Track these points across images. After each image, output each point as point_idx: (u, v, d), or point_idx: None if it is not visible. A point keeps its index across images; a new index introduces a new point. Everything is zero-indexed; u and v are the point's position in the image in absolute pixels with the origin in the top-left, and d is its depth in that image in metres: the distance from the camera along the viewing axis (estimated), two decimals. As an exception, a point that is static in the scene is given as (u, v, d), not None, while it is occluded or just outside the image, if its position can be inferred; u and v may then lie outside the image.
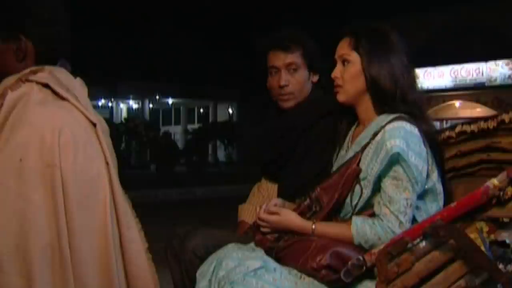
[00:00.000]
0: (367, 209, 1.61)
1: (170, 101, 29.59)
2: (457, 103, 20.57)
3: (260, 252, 1.63)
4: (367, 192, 1.60)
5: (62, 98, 1.38)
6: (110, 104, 28.43)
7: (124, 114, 28.86)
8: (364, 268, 1.43)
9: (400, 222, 1.53)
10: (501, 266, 1.41)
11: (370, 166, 1.60)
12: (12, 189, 1.25)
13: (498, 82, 19.22)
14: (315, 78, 2.11)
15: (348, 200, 1.64)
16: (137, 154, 21.78)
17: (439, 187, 1.66)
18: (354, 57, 1.70)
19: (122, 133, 19.93)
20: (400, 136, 1.55)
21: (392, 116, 1.62)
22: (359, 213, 1.62)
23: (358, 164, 1.63)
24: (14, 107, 1.34)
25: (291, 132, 2.04)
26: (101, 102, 27.53)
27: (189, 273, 1.81)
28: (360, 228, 1.56)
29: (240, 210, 2.21)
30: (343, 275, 1.42)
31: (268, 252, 1.63)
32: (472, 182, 1.78)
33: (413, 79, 1.72)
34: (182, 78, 25.85)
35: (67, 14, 1.51)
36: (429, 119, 1.71)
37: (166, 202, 9.97)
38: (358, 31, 1.72)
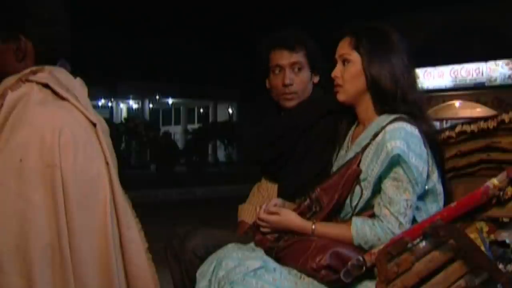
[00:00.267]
0: (367, 210, 1.61)
1: (170, 101, 29.60)
2: (457, 103, 20.57)
3: (260, 252, 1.63)
4: (367, 193, 1.60)
5: (62, 98, 1.38)
6: (110, 104, 28.44)
7: (124, 114, 28.87)
8: (364, 268, 1.43)
9: (400, 223, 1.53)
10: (501, 266, 1.41)
11: (370, 167, 1.60)
12: (12, 189, 1.25)
13: (498, 82, 19.22)
14: (316, 79, 2.12)
15: (348, 201, 1.64)
16: (137, 154, 21.78)
17: (439, 188, 1.66)
18: (355, 56, 1.70)
19: (122, 133, 19.92)
20: (401, 137, 1.55)
21: (392, 116, 1.62)
22: (359, 214, 1.62)
23: (358, 165, 1.63)
24: (14, 107, 1.34)
25: (291, 132, 2.04)
26: (101, 102, 27.54)
27: (189, 273, 1.81)
28: (360, 229, 1.56)
29: (240, 210, 2.21)
30: (343, 275, 1.42)
31: (268, 252, 1.63)
32: (472, 182, 1.78)
33: (413, 79, 1.72)
34: (182, 78, 25.87)
35: (67, 14, 1.51)
36: (429, 119, 1.71)
37: (166, 202, 9.97)
38: (358, 31, 1.72)
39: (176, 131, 28.48)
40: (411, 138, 1.57)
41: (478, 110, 19.25)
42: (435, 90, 19.27)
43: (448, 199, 1.68)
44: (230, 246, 1.67)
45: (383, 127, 1.60)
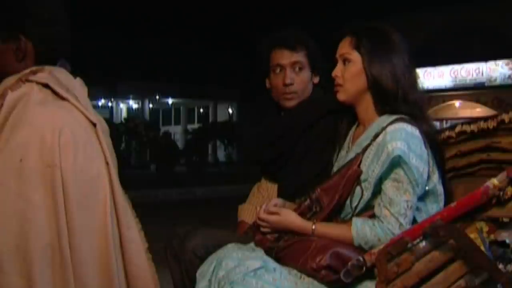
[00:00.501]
0: (367, 210, 1.61)
1: (170, 101, 29.60)
2: (457, 103, 20.57)
3: (260, 252, 1.63)
4: (367, 194, 1.60)
5: (62, 98, 1.38)
6: (110, 104, 28.45)
7: (124, 114, 28.88)
8: (364, 268, 1.43)
9: (400, 224, 1.53)
10: (501, 266, 1.41)
11: (371, 168, 1.60)
12: (12, 189, 1.25)
13: (498, 82, 19.22)
14: (316, 79, 2.12)
15: (348, 201, 1.64)
16: (137, 154, 21.78)
17: (440, 188, 1.66)
18: (355, 56, 1.70)
19: (122, 133, 19.92)
20: (402, 138, 1.55)
21: (393, 117, 1.62)
22: (359, 214, 1.62)
23: (359, 166, 1.62)
24: (14, 107, 1.34)
25: (291, 132, 2.04)
26: (101, 102, 27.55)
27: (189, 273, 1.81)
28: (360, 229, 1.56)
29: (240, 210, 2.21)
30: (343, 275, 1.42)
31: (268, 252, 1.63)
32: (472, 182, 1.78)
33: (414, 79, 1.71)
34: (182, 78, 25.88)
35: (67, 14, 1.51)
36: (430, 120, 1.71)
37: (166, 202, 9.97)
38: (359, 31, 1.72)
39: (176, 131, 28.48)
40: (412, 139, 1.57)
41: (478, 110, 19.25)
42: (435, 90, 19.25)
43: (448, 199, 1.68)
44: (230, 246, 1.67)
45: (384, 128, 1.60)
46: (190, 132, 23.94)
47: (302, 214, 1.68)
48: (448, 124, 8.39)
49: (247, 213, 2.16)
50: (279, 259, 1.60)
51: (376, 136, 1.62)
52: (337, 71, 1.74)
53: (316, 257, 1.52)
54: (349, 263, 1.43)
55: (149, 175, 17.50)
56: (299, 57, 2.04)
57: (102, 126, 1.44)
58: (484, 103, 19.52)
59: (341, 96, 1.74)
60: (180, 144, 23.77)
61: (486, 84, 19.40)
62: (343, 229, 1.59)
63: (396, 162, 1.55)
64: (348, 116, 1.82)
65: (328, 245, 1.54)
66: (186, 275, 1.84)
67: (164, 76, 25.84)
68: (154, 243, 1.57)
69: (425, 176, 1.58)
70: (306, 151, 2.02)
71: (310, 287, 1.51)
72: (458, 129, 1.81)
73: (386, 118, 1.64)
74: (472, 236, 1.40)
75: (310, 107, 2.04)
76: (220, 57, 25.70)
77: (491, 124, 1.72)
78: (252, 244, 1.72)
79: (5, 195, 1.25)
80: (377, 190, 1.59)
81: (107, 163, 1.37)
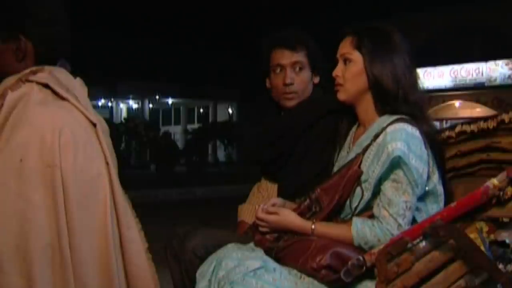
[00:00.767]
0: (367, 210, 1.61)
1: (170, 101, 29.60)
2: (457, 103, 20.57)
3: (260, 252, 1.63)
4: (368, 195, 1.59)
5: (62, 98, 1.38)
6: (110, 104, 28.45)
7: (124, 114, 28.88)
8: (364, 268, 1.43)
9: (399, 225, 1.53)
10: (501, 266, 1.41)
11: (371, 169, 1.59)
12: (12, 189, 1.25)
13: (498, 82, 19.21)
14: (317, 80, 2.12)
15: (348, 202, 1.64)
16: (137, 154, 21.79)
17: (440, 189, 1.65)
18: (356, 56, 1.70)
19: (122, 133, 19.94)
20: (402, 138, 1.55)
21: (393, 117, 1.62)
22: (359, 215, 1.62)
23: (359, 166, 1.62)
24: (15, 107, 1.34)
25: (291, 132, 2.04)
26: (101, 102, 27.56)
27: (189, 273, 1.81)
28: (360, 229, 1.56)
29: (240, 210, 2.21)
30: (343, 274, 1.42)
31: (268, 252, 1.63)
32: (472, 182, 1.78)
33: (415, 79, 1.71)
34: (182, 78, 25.88)
35: (67, 14, 1.51)
36: (430, 120, 1.70)
37: (166, 202, 9.97)
38: (360, 31, 1.72)
39: (176, 131, 28.49)
40: (412, 140, 1.57)
41: (478, 110, 19.24)
42: (435, 90, 19.25)
43: (448, 199, 1.68)
44: (230, 246, 1.67)
45: (384, 128, 1.60)
46: (190, 132, 23.96)
47: (301, 214, 1.68)
48: (448, 124, 8.39)
49: (247, 213, 2.16)
50: (278, 259, 1.59)
51: (376, 136, 1.62)
52: (338, 71, 1.74)
53: (316, 257, 1.52)
54: (349, 263, 1.43)
55: (149, 175, 17.50)
56: (300, 57, 2.04)
57: (102, 126, 1.44)
58: (484, 103, 19.52)
59: (342, 96, 1.74)
60: (180, 144, 23.77)
61: (486, 84, 19.40)
62: (343, 229, 1.59)
63: (396, 163, 1.54)
64: (348, 116, 1.82)
65: (328, 245, 1.54)
66: (186, 275, 1.84)
67: (164, 76, 25.85)
68: (154, 243, 1.57)
69: (425, 176, 1.58)
70: (306, 151, 2.02)
71: (310, 287, 1.51)
72: (458, 129, 1.81)
73: (386, 118, 1.64)
74: (472, 236, 1.40)
75: (310, 107, 2.04)
76: (220, 57, 25.71)
77: (491, 124, 1.72)
78: (252, 244, 1.71)
79: (5, 195, 1.25)
80: (377, 191, 1.59)
81: (107, 163, 1.37)
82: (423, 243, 1.38)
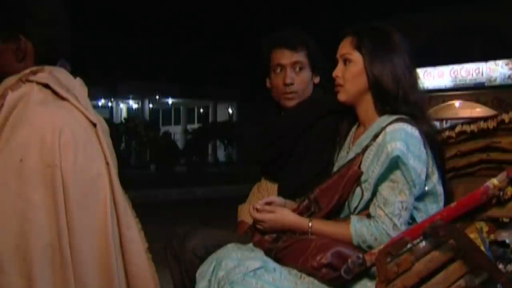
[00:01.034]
0: (366, 210, 1.61)
1: (170, 101, 29.61)
2: (457, 103, 20.57)
3: (260, 253, 1.63)
4: (367, 195, 1.59)
5: (62, 98, 1.38)
6: (110, 104, 28.46)
7: (124, 114, 28.89)
8: (365, 267, 1.43)
9: (394, 225, 1.53)
10: (501, 266, 1.41)
11: (371, 168, 1.59)
12: (12, 189, 1.25)
13: (498, 82, 19.21)
14: (317, 80, 2.12)
15: (348, 202, 1.64)
16: (137, 154, 21.79)
17: (440, 189, 1.65)
18: (356, 56, 1.69)
19: (122, 133, 19.94)
20: (401, 138, 1.55)
21: (393, 117, 1.62)
22: (358, 214, 1.62)
23: (359, 167, 1.62)
24: (15, 108, 1.34)
25: (291, 132, 2.04)
26: (101, 102, 27.56)
27: (189, 273, 1.81)
28: (358, 228, 1.56)
29: (240, 210, 2.21)
30: (344, 272, 1.43)
31: (267, 253, 1.62)
32: (472, 182, 1.78)
33: (414, 79, 1.71)
34: (182, 78, 25.89)
35: (67, 14, 1.51)
36: (430, 120, 1.70)
37: (166, 202, 9.97)
38: (360, 31, 1.72)
39: (176, 131, 28.49)
40: (411, 140, 1.56)
41: (478, 110, 19.24)
42: (435, 90, 19.25)
43: (448, 199, 1.68)
44: (230, 246, 1.67)
45: (383, 128, 1.60)
46: (190, 132, 23.96)
47: (300, 215, 1.68)
48: (448, 124, 8.39)
49: (247, 213, 2.16)
50: (278, 260, 1.59)
51: (376, 136, 1.62)
52: (338, 71, 1.74)
53: (316, 256, 1.52)
54: (349, 260, 1.43)
55: (149, 175, 17.50)
56: (300, 57, 2.04)
57: (102, 126, 1.44)
58: (484, 103, 19.52)
59: (342, 97, 1.74)
60: (180, 144, 23.78)
61: (486, 84, 19.40)
62: (341, 227, 1.59)
63: (395, 162, 1.54)
64: (348, 116, 1.82)
65: (329, 244, 1.54)
66: (186, 275, 1.84)
67: (164, 76, 25.86)
68: (154, 243, 1.57)
69: (423, 176, 1.58)
70: (306, 151, 2.02)
71: (310, 287, 1.51)
72: (458, 129, 1.81)
73: (386, 118, 1.64)
74: (472, 236, 1.40)
75: (310, 107, 2.04)
76: (220, 57, 25.71)
77: (491, 124, 1.72)
78: (251, 244, 1.71)
79: (5, 195, 1.25)
80: (377, 191, 1.59)
81: (107, 163, 1.37)
82: (423, 243, 1.38)
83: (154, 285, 1.42)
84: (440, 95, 19.79)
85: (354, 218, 1.58)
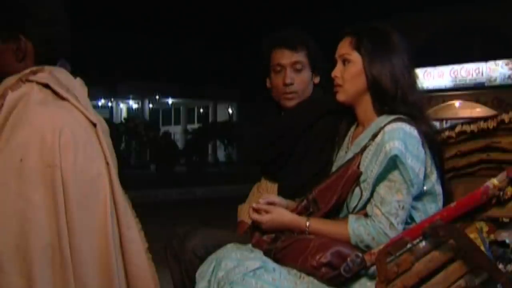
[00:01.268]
0: (364, 209, 1.61)
1: (170, 101, 29.60)
2: (457, 103, 20.57)
3: (259, 253, 1.63)
4: (366, 194, 1.59)
5: (62, 98, 1.38)
6: (110, 104, 28.45)
7: (124, 114, 28.89)
8: (364, 266, 1.43)
9: (391, 224, 1.53)
10: (501, 266, 1.41)
11: (369, 168, 1.59)
12: (12, 189, 1.25)
13: (498, 82, 19.22)
14: (317, 79, 2.12)
15: (347, 202, 1.64)
16: (137, 154, 21.79)
17: (438, 188, 1.65)
18: (355, 56, 1.70)
19: (122, 133, 19.94)
20: (399, 137, 1.55)
21: (391, 117, 1.62)
22: (356, 213, 1.62)
23: (358, 166, 1.62)
24: (15, 107, 1.34)
25: (291, 132, 2.04)
26: (101, 102, 27.56)
27: (189, 273, 1.81)
28: (356, 228, 1.56)
29: (240, 210, 2.21)
30: (343, 270, 1.43)
31: (267, 253, 1.62)
32: (472, 182, 1.78)
33: (413, 79, 1.71)
34: (182, 78, 25.89)
35: (67, 14, 1.51)
36: (429, 120, 1.70)
37: (166, 202, 9.98)
38: (359, 31, 1.72)
39: (176, 131, 28.49)
40: (409, 139, 1.57)
41: (478, 110, 19.25)
42: (435, 90, 19.26)
43: (448, 199, 1.68)
44: (229, 246, 1.67)
45: (382, 128, 1.60)
46: (190, 132, 23.96)
47: (299, 215, 1.67)
48: (448, 124, 8.39)
49: (246, 213, 2.16)
50: (278, 260, 1.59)
51: (375, 136, 1.62)
52: (337, 72, 1.74)
53: (316, 255, 1.52)
54: (349, 258, 1.44)
55: (149, 175, 17.51)
56: (300, 57, 2.04)
57: (102, 126, 1.44)
58: (484, 103, 19.52)
59: (341, 97, 1.74)
60: (180, 144, 23.78)
61: (486, 84, 19.40)
62: (339, 227, 1.59)
63: (393, 162, 1.54)
64: (347, 116, 1.82)
65: (328, 244, 1.54)
66: (186, 275, 1.84)
67: (164, 76, 25.85)
68: (154, 243, 1.57)
69: (421, 176, 1.58)
70: (306, 151, 2.02)
71: (310, 287, 1.51)
72: (458, 129, 1.81)
73: (384, 118, 1.64)
74: (472, 236, 1.40)
75: (310, 107, 2.04)
76: (220, 57, 25.72)
77: (491, 124, 1.72)
78: (251, 245, 1.71)
79: (5, 195, 1.25)
80: (375, 190, 1.59)
81: (107, 163, 1.37)
82: (423, 243, 1.38)
83: (154, 285, 1.42)
84: (440, 95, 19.79)
85: (351, 218, 1.58)
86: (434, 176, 1.64)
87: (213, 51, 26.06)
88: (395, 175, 1.55)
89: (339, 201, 1.64)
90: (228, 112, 29.71)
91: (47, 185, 1.26)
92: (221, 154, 24.21)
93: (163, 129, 24.66)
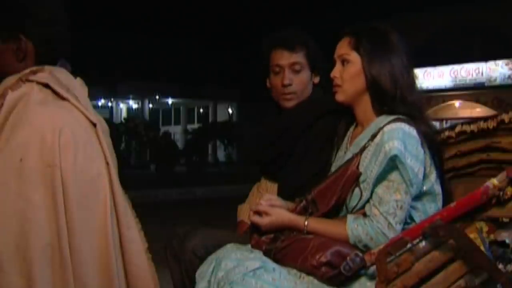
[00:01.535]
0: (363, 209, 1.61)
1: (170, 101, 29.61)
2: (457, 103, 20.57)
3: (259, 253, 1.63)
4: (366, 195, 1.59)
5: (62, 98, 1.38)
6: (110, 104, 28.46)
7: (124, 114, 28.89)
8: (364, 266, 1.43)
9: (389, 224, 1.52)
10: (500, 266, 1.41)
11: (369, 168, 1.59)
12: (12, 189, 1.25)
13: (497, 82, 19.22)
14: (317, 80, 2.11)
15: (347, 202, 1.64)
16: (137, 154, 21.79)
17: (438, 188, 1.65)
18: (354, 57, 1.69)
19: (122, 133, 19.94)
20: (399, 137, 1.55)
21: (390, 117, 1.62)
22: (355, 213, 1.62)
23: (357, 167, 1.62)
24: (15, 107, 1.34)
25: (290, 132, 2.04)
26: (101, 102, 27.56)
27: (189, 273, 1.81)
28: (354, 228, 1.56)
29: (239, 210, 2.21)
30: (343, 268, 1.43)
31: (266, 254, 1.62)
32: (472, 182, 1.78)
33: (412, 79, 1.71)
34: (182, 78, 25.90)
35: (67, 14, 1.51)
36: (429, 120, 1.70)
37: (166, 202, 9.97)
38: (358, 31, 1.72)
39: (176, 131, 28.49)
40: (409, 139, 1.57)
41: (478, 110, 19.25)
42: (435, 90, 19.27)
43: (447, 199, 1.68)
44: (229, 246, 1.67)
45: (381, 128, 1.60)
46: (190, 132, 23.95)
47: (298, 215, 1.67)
48: (448, 124, 8.39)
49: (246, 213, 2.16)
50: (277, 260, 1.59)
51: (374, 136, 1.62)
52: (336, 72, 1.74)
53: (316, 255, 1.52)
54: (348, 257, 1.44)
55: (149, 175, 17.50)
56: (298, 57, 2.04)
57: (102, 126, 1.44)
58: (484, 103, 19.52)
59: (340, 97, 1.74)
60: (180, 144, 23.78)
61: (486, 84, 19.40)
62: (337, 226, 1.59)
63: (392, 162, 1.54)
64: (346, 116, 1.82)
65: (328, 243, 1.54)
66: (186, 275, 1.84)
67: (164, 76, 25.86)
68: (154, 243, 1.57)
69: (421, 176, 1.58)
70: (305, 151, 2.02)
71: (309, 286, 1.51)
72: (458, 129, 1.81)
73: (383, 119, 1.64)
74: (472, 236, 1.40)
75: (309, 107, 2.04)
76: (220, 57, 25.73)
77: (491, 124, 1.72)
78: (251, 245, 1.71)
79: (5, 195, 1.26)
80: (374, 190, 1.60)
81: (107, 163, 1.37)
82: (423, 243, 1.38)
83: (154, 285, 1.42)
84: (440, 95, 19.80)
85: (350, 217, 1.58)
86: (433, 176, 1.64)
87: (213, 51, 26.07)
88: (394, 175, 1.55)
89: (339, 201, 1.64)
90: (228, 112, 29.71)
91: (47, 185, 1.26)
92: (221, 154, 24.21)
93: (163, 129, 24.65)
